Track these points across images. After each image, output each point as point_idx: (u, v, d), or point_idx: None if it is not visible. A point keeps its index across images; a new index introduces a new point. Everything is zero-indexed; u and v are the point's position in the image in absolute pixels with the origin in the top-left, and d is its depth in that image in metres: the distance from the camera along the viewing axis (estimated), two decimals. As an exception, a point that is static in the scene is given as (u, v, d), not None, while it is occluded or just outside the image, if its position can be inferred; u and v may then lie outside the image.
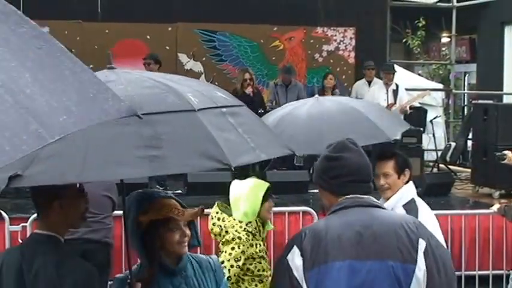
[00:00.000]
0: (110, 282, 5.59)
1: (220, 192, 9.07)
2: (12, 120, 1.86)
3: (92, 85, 2.12)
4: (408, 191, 4.50)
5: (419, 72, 21.55)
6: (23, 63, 1.98)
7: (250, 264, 4.97)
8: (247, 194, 5.03)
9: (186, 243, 3.33)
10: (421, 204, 4.50)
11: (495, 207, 6.87)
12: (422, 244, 2.75)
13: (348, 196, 2.88)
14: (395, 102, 11.14)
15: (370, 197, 2.94)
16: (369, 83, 12.31)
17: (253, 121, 3.57)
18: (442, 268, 2.76)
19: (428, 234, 2.82)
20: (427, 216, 4.31)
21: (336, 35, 13.72)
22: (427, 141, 13.64)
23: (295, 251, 2.77)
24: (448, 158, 13.66)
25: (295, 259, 2.75)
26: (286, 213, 7.97)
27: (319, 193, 3.06)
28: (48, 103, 1.92)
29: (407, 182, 4.53)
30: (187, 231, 3.33)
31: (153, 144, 2.87)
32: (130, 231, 3.32)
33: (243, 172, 7.87)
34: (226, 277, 4.24)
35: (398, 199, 4.43)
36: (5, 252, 3.38)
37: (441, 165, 13.29)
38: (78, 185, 3.22)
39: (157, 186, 10.41)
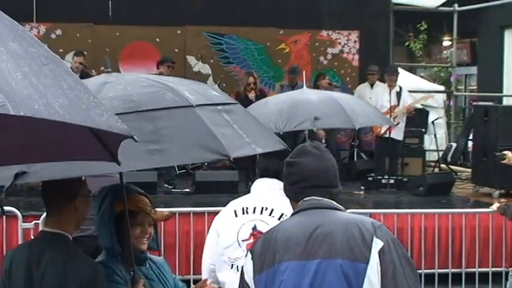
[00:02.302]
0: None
1: (227, 191, 9.31)
2: None
3: (89, 102, 2.11)
4: None
5: (421, 74, 21.45)
6: (19, 67, 2.02)
7: None
8: None
9: (146, 242, 3.38)
10: None
11: (495, 206, 7.00)
12: (378, 244, 2.55)
13: (305, 199, 2.75)
14: (398, 104, 11.22)
15: (330, 200, 2.76)
16: (372, 85, 12.42)
17: (248, 118, 3.60)
18: (400, 271, 2.54)
19: (390, 237, 2.61)
20: None
21: (340, 38, 13.83)
22: (428, 142, 13.71)
23: (248, 255, 2.71)
24: (449, 158, 13.79)
25: (247, 264, 2.68)
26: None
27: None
28: (28, 94, 1.92)
29: None
30: (150, 231, 3.39)
31: (153, 139, 2.91)
32: (101, 218, 3.32)
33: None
34: None
35: None
36: (15, 249, 3.38)
37: (442, 165, 13.35)
38: (87, 185, 3.28)
39: (166, 185, 10.66)
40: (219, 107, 3.33)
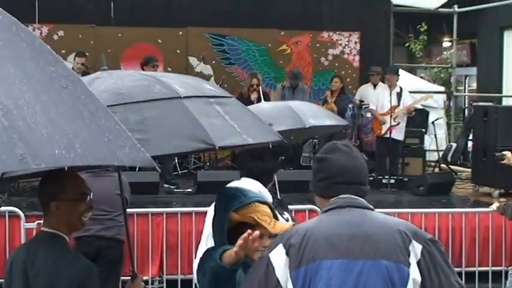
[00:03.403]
0: (122, 278, 5.90)
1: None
2: (0, 141, 1.86)
3: (111, 131, 2.07)
4: None
5: (422, 75, 21.39)
6: (38, 96, 1.98)
7: None
8: None
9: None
10: None
11: (494, 205, 6.99)
12: (417, 247, 2.60)
13: (341, 196, 2.73)
14: (398, 105, 11.26)
15: (363, 199, 2.80)
16: (374, 86, 12.47)
17: (242, 110, 3.60)
18: (440, 273, 2.60)
19: (427, 239, 2.65)
20: None
21: (341, 39, 13.87)
22: (428, 142, 13.74)
23: (280, 249, 2.61)
24: (449, 158, 13.82)
25: (279, 257, 2.59)
26: (293, 212, 8.13)
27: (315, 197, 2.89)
28: (48, 135, 1.89)
29: None
30: (268, 243, 2.96)
31: (138, 129, 2.89)
32: (219, 227, 3.16)
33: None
34: None
35: None
36: (16, 249, 3.39)
37: (442, 165, 13.36)
38: (81, 188, 3.20)
39: (167, 185, 10.68)
40: (211, 100, 3.33)
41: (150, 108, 3.10)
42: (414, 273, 2.57)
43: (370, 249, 2.57)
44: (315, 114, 7.34)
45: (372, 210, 2.78)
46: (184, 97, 3.20)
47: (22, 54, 2.10)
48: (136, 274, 3.34)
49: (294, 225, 3.07)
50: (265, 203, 3.23)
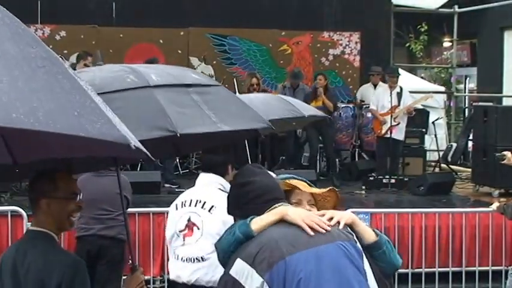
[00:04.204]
0: (124, 277, 5.71)
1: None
2: None
3: (83, 107, 2.05)
4: None
5: (422, 75, 21.44)
6: (8, 70, 1.98)
7: None
8: None
9: None
10: None
11: (494, 205, 6.97)
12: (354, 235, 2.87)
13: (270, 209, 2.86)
14: (399, 105, 11.27)
15: None
16: (375, 86, 12.51)
17: (225, 99, 3.62)
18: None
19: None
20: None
21: (341, 40, 13.89)
22: (429, 142, 13.76)
23: (240, 263, 2.71)
24: (449, 158, 13.85)
25: (242, 270, 2.69)
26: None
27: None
28: (9, 100, 1.89)
29: None
30: (308, 207, 3.11)
31: None
32: None
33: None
34: None
35: None
36: (6, 249, 3.37)
37: (443, 165, 13.39)
38: (72, 188, 3.18)
39: (168, 185, 10.70)
40: (190, 89, 3.36)
41: (119, 98, 3.12)
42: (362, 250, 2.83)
43: (324, 236, 2.74)
44: (305, 106, 7.63)
45: None
46: (156, 86, 3.22)
47: (2, 35, 2.12)
48: (136, 266, 3.36)
49: (332, 189, 3.19)
50: (302, 179, 3.26)
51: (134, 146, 2.18)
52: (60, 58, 2.37)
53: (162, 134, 3.07)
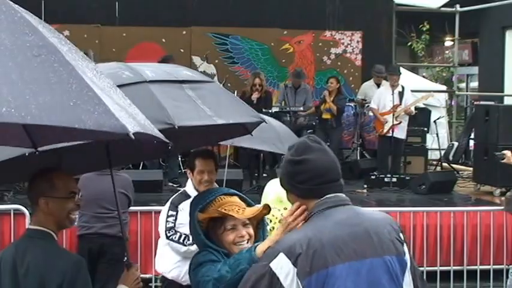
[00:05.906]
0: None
1: (231, 189, 9.32)
2: None
3: (80, 96, 2.02)
4: None
5: (424, 74, 21.39)
6: (2, 62, 1.97)
7: None
8: None
9: (245, 244, 3.09)
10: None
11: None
12: (402, 236, 2.71)
13: (328, 196, 2.67)
14: (400, 104, 11.31)
15: (344, 195, 2.74)
16: (378, 85, 12.50)
17: (219, 95, 3.65)
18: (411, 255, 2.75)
19: (400, 226, 2.77)
20: None
21: (343, 39, 13.91)
22: (430, 141, 13.77)
23: (283, 258, 2.53)
24: (450, 157, 13.90)
25: (284, 267, 2.52)
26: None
27: (291, 198, 2.78)
28: (0, 94, 1.88)
29: None
30: (244, 232, 3.09)
31: None
32: (193, 230, 3.18)
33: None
34: None
35: None
36: (4, 248, 3.36)
37: (444, 164, 13.39)
38: (71, 187, 3.18)
39: (171, 184, 10.73)
40: (184, 85, 3.38)
41: None
42: (408, 261, 2.68)
43: (373, 246, 2.59)
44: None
45: (353, 205, 2.76)
46: (151, 81, 3.25)
47: None
48: (131, 263, 3.37)
49: (266, 206, 3.12)
50: (232, 194, 3.21)
51: (133, 134, 2.11)
52: (84, 54, 2.38)
53: (160, 126, 3.05)
